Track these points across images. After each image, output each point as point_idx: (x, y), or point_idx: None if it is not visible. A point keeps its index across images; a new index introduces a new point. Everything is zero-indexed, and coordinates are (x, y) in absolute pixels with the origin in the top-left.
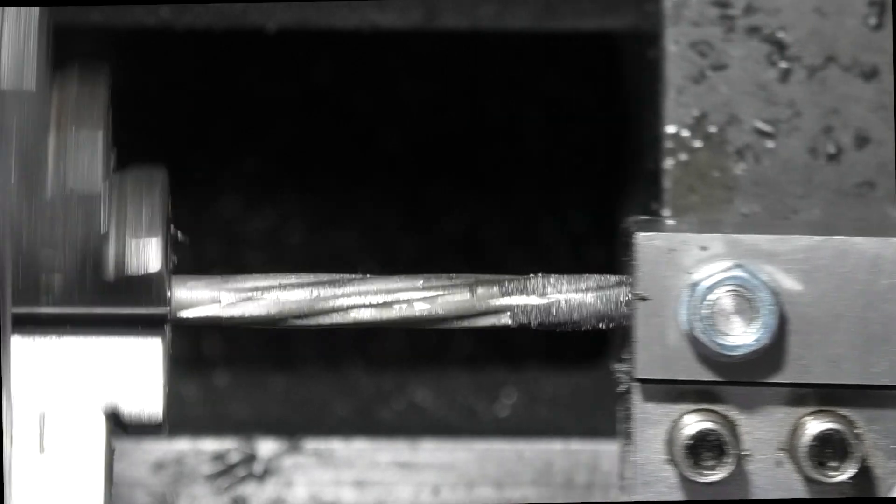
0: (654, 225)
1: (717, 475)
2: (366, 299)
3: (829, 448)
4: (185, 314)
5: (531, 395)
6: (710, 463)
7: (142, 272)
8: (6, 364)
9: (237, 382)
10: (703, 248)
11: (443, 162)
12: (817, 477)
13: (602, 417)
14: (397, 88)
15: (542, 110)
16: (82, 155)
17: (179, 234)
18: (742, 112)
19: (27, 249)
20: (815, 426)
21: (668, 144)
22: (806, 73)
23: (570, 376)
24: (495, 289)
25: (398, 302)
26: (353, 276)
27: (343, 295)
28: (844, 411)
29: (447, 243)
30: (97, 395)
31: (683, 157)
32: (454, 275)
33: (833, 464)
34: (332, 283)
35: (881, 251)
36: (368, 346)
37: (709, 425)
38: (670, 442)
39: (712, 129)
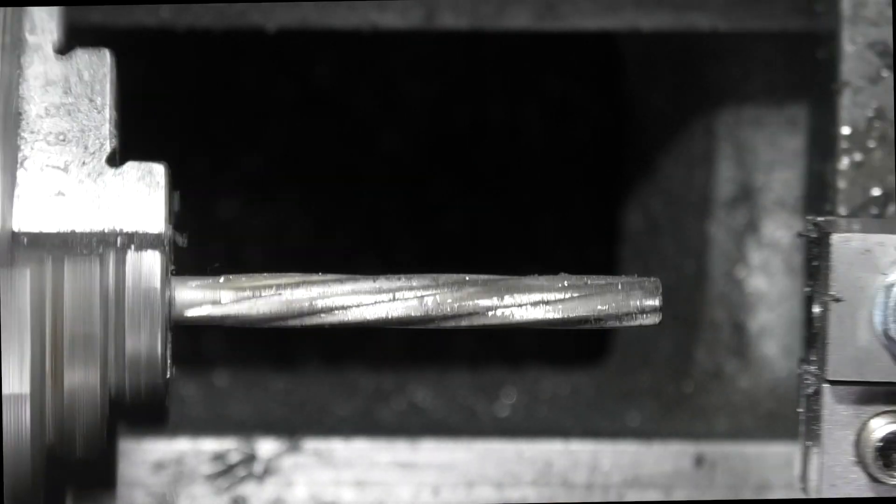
0: (845, 225)
1: None
2: (366, 298)
3: None
4: (185, 314)
5: (531, 395)
6: None
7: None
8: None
9: (237, 382)
10: None
11: (443, 162)
12: None
13: (602, 417)
14: (397, 88)
15: (542, 110)
16: None
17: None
18: None
19: None
20: None
21: (843, 145)
22: None
23: (570, 376)
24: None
25: (397, 301)
26: (354, 276)
27: (342, 294)
28: None
29: (447, 243)
30: None
31: (857, 157)
32: (468, 275)
33: None
34: (330, 283)
35: None
36: (368, 346)
37: None
38: (859, 443)
39: (888, 129)
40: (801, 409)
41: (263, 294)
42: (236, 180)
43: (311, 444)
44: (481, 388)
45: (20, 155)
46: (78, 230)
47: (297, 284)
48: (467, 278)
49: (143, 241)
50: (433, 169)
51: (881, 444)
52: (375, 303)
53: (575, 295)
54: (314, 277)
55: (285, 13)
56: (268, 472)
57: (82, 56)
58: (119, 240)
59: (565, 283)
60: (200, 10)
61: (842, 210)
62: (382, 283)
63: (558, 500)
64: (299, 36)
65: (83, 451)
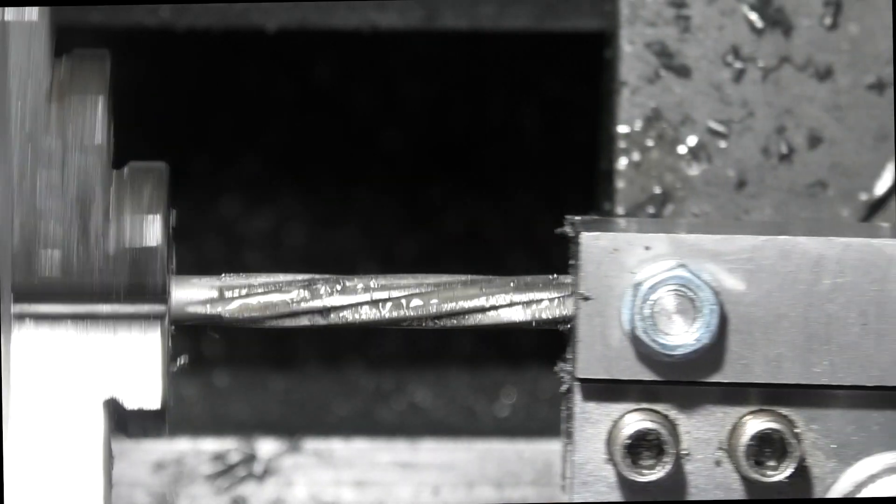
0: (599, 224)
1: (655, 475)
2: (363, 297)
3: (769, 448)
4: (185, 314)
5: (531, 395)
6: (650, 462)
7: (142, 245)
8: (6, 357)
9: (237, 382)
10: (647, 248)
11: (443, 162)
12: (755, 476)
13: None
14: (397, 88)
15: (542, 110)
16: (82, 117)
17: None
18: (696, 112)
19: (27, 220)
20: (754, 426)
21: (622, 144)
22: (760, 73)
23: None
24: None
25: (392, 300)
26: (351, 276)
27: (339, 292)
28: (785, 411)
29: (447, 243)
30: (96, 387)
31: (636, 156)
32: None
33: (771, 463)
34: (329, 282)
35: (824, 251)
36: (368, 346)
37: (648, 425)
38: (610, 441)
39: (666, 128)
40: (562, 408)
41: (264, 294)
42: (236, 180)
43: (311, 444)
44: (481, 388)
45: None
46: None
47: (299, 284)
48: (455, 278)
49: None
50: (433, 169)
51: (629, 441)
52: (371, 301)
53: (556, 295)
54: (318, 277)
55: (285, 13)
56: (268, 472)
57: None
58: None
59: (552, 278)
60: (200, 10)
61: (620, 209)
62: (382, 280)
63: (558, 499)
64: (299, 36)
65: None
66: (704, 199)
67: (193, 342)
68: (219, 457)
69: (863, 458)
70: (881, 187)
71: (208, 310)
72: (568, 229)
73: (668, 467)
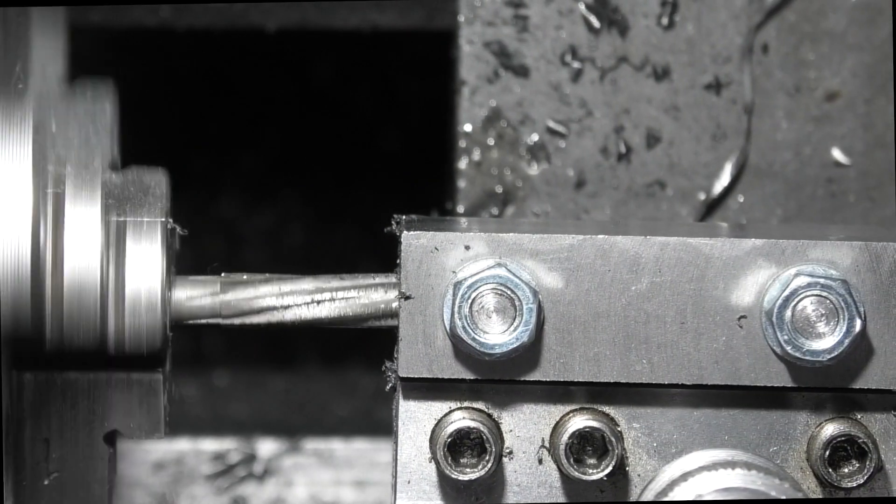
0: (422, 224)
1: (476, 473)
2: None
3: (590, 446)
4: (185, 314)
5: None
6: (472, 461)
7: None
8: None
9: (237, 382)
10: (467, 248)
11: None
12: (576, 475)
13: None
14: (397, 88)
15: None
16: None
17: (178, 228)
18: (535, 112)
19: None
20: (575, 424)
21: (462, 143)
22: (598, 73)
23: None
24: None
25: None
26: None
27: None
28: (607, 409)
29: None
30: (98, 426)
31: (477, 156)
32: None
33: (592, 461)
34: (331, 279)
35: (642, 251)
36: (368, 346)
37: (470, 423)
38: (433, 440)
39: (505, 128)
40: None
41: (261, 293)
42: (236, 180)
43: (311, 444)
44: None
45: None
46: None
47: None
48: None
49: None
50: (433, 169)
51: (450, 440)
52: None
53: (384, 293)
54: (313, 276)
55: (285, 13)
56: (268, 472)
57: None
58: None
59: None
60: (200, 10)
61: (461, 208)
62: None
63: None
64: (299, 36)
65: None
66: (545, 198)
67: (193, 342)
68: (219, 457)
69: (682, 456)
70: (719, 187)
71: (208, 309)
72: (394, 228)
73: (489, 466)
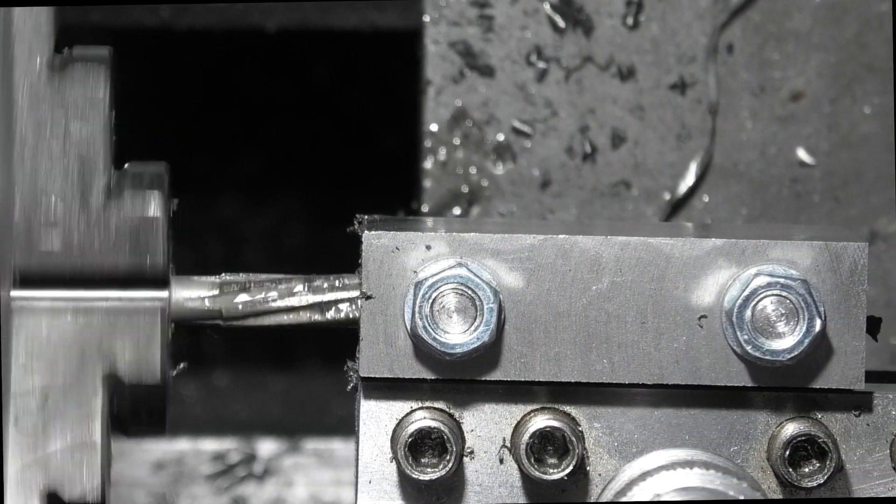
0: (384, 224)
1: (437, 473)
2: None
3: (551, 445)
4: (185, 313)
5: None
6: (434, 461)
7: (142, 215)
8: (6, 328)
9: (237, 382)
10: (428, 248)
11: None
12: (536, 474)
13: None
14: (398, 88)
15: None
16: (83, 102)
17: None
18: (500, 112)
19: (28, 195)
20: (536, 423)
21: (428, 143)
22: (563, 73)
23: None
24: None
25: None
26: (346, 275)
27: (339, 289)
28: (568, 409)
29: None
30: (96, 358)
31: (442, 156)
32: None
33: (553, 461)
34: (329, 280)
35: (602, 251)
36: None
37: (431, 423)
38: (394, 440)
39: (471, 128)
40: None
41: (261, 293)
42: (236, 180)
43: (311, 444)
44: None
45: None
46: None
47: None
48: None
49: None
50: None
51: (411, 440)
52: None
53: (346, 294)
54: (313, 276)
55: (285, 13)
56: (268, 472)
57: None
58: None
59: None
60: (200, 10)
61: (426, 208)
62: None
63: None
64: (299, 36)
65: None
66: (510, 198)
67: (193, 342)
68: (219, 457)
69: (643, 456)
70: (684, 187)
71: (208, 309)
72: (356, 228)
73: (450, 466)
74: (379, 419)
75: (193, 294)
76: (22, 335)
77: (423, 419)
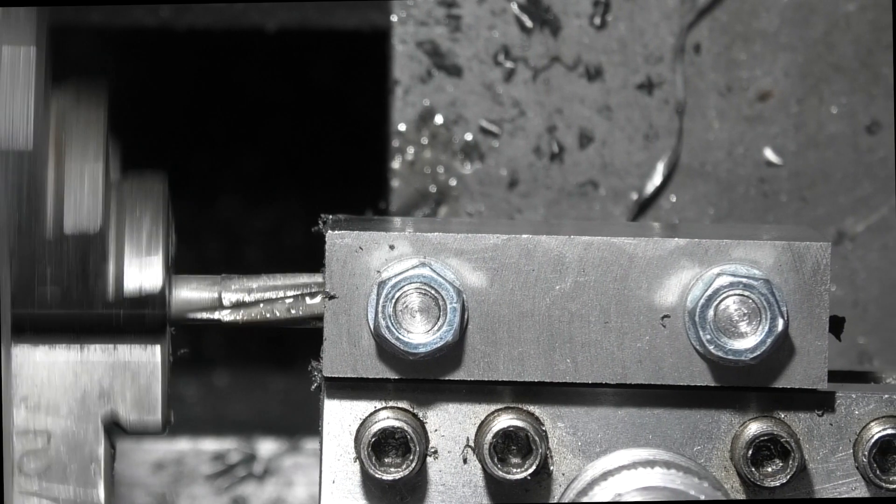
0: (348, 223)
1: (400, 473)
2: None
3: (514, 445)
4: (185, 314)
5: None
6: (397, 461)
7: (142, 292)
8: (6, 373)
9: (237, 382)
10: (392, 247)
11: None
12: (500, 474)
13: None
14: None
15: None
16: (81, 191)
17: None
18: (468, 111)
19: (23, 273)
20: (499, 423)
21: (395, 143)
22: (531, 73)
23: None
24: None
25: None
26: None
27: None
28: (531, 408)
29: None
30: (96, 405)
31: (409, 156)
32: None
33: (516, 461)
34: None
35: (565, 250)
36: None
37: (394, 423)
38: (357, 439)
39: (439, 128)
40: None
41: (261, 293)
42: (236, 180)
43: (311, 444)
44: None
45: None
46: None
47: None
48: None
49: None
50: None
51: (374, 439)
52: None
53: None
54: (313, 276)
55: (285, 13)
56: (268, 472)
57: None
58: None
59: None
60: (200, 10)
61: (394, 208)
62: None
63: None
64: (299, 36)
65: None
66: (478, 198)
67: (193, 342)
68: (219, 457)
69: (605, 455)
70: (651, 187)
71: (208, 309)
72: (321, 227)
73: (413, 465)
74: (342, 419)
75: (193, 294)
76: (22, 383)
77: (386, 419)
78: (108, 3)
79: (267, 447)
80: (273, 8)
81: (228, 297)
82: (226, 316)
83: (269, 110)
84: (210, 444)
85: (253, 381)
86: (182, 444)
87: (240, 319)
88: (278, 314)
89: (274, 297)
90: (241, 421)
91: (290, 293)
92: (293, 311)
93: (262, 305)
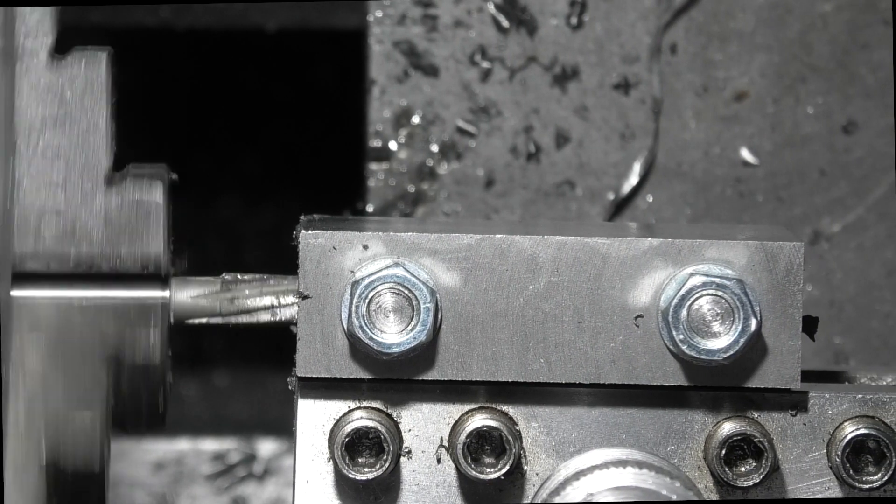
0: (322, 223)
1: (374, 473)
2: None
3: (488, 445)
4: (185, 314)
5: None
6: (371, 461)
7: (143, 199)
8: (6, 321)
9: (237, 382)
10: (365, 247)
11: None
12: (474, 474)
13: None
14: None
15: None
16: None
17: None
18: (445, 111)
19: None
20: (473, 423)
21: (373, 143)
22: (507, 73)
23: None
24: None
25: None
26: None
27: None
28: (505, 408)
29: None
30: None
31: (386, 156)
32: None
33: (490, 460)
34: None
35: (539, 250)
36: None
37: (368, 423)
38: (331, 439)
39: (415, 128)
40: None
41: (261, 293)
42: (236, 180)
43: None
44: None
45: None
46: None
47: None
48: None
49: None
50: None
51: (348, 439)
52: None
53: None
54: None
55: (285, 13)
56: (268, 472)
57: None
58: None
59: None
60: (200, 10)
61: (371, 208)
62: None
63: None
64: (299, 36)
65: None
66: (455, 198)
67: (194, 342)
68: (219, 457)
69: (579, 455)
70: (627, 186)
71: (208, 309)
72: (297, 228)
73: (386, 465)
74: (316, 419)
75: (193, 294)
76: (22, 330)
77: (360, 419)
78: (108, 3)
79: (267, 447)
80: (273, 8)
81: (228, 298)
82: (226, 317)
83: (269, 110)
84: (210, 444)
85: (253, 381)
86: (182, 444)
87: (240, 320)
88: (278, 315)
89: (273, 297)
90: (241, 421)
91: (290, 294)
92: (292, 312)
93: (261, 306)
